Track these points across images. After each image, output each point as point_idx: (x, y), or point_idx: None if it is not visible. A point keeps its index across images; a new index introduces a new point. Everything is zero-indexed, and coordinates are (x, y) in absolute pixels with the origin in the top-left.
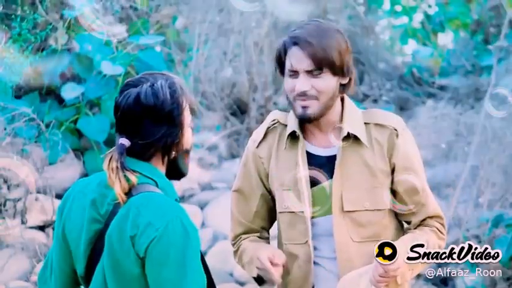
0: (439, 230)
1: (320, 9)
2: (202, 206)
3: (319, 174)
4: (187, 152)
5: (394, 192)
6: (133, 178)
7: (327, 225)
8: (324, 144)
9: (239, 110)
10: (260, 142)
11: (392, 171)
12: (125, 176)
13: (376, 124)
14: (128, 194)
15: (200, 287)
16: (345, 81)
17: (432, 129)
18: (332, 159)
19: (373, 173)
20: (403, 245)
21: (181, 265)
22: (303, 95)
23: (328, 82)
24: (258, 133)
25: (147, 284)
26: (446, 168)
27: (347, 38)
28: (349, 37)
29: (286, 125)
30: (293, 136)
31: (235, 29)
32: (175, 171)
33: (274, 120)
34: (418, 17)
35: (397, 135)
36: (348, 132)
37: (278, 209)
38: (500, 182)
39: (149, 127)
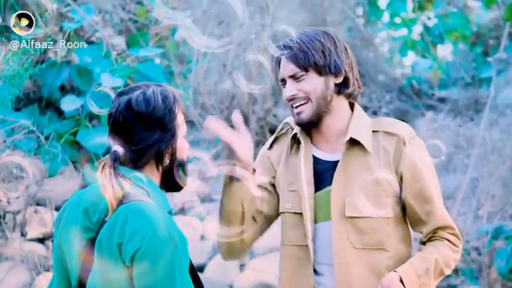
0: (452, 243)
1: (319, 21)
2: (201, 219)
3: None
4: (183, 163)
5: (404, 201)
6: (126, 185)
7: (328, 231)
8: (329, 150)
9: None
10: (272, 144)
11: (401, 179)
12: (118, 183)
13: (385, 132)
14: (119, 202)
15: None
16: (338, 80)
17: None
18: (336, 164)
19: (377, 181)
20: (408, 271)
21: (168, 275)
22: (292, 99)
23: (313, 82)
24: (271, 137)
25: None
26: (445, 180)
27: (340, 40)
28: None
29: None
30: (298, 140)
31: (234, 41)
32: (172, 183)
33: (285, 124)
34: (418, 29)
35: (404, 143)
36: (353, 139)
37: (281, 209)
38: (499, 194)
39: (141, 133)
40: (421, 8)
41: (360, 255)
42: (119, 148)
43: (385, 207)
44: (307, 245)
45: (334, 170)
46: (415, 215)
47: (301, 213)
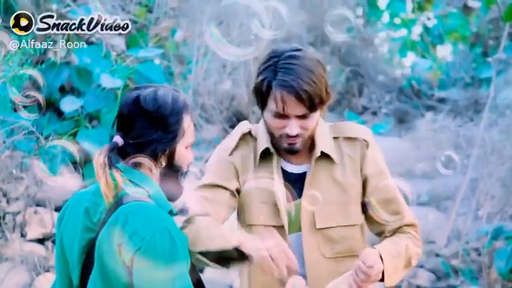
0: (415, 238)
1: (318, 21)
2: None
3: (292, 191)
4: (180, 170)
5: (367, 204)
6: (118, 177)
7: (298, 242)
8: (295, 161)
9: (238, 122)
10: (232, 151)
11: (364, 182)
12: (110, 173)
13: (346, 138)
14: (119, 203)
15: None
16: (328, 103)
17: (431, 141)
18: (303, 176)
19: (345, 189)
20: (384, 249)
21: (168, 276)
22: (293, 136)
23: (314, 118)
24: (229, 143)
25: None
26: (445, 180)
27: (324, 64)
28: (348, 50)
29: (256, 138)
30: (266, 152)
31: (234, 42)
32: (168, 189)
33: (246, 130)
34: (417, 29)
35: (367, 146)
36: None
37: (249, 221)
38: (499, 194)
39: (142, 128)
40: (420, 8)
41: (332, 264)
42: (118, 139)
43: (354, 214)
44: None
45: (301, 182)
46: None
47: (273, 226)
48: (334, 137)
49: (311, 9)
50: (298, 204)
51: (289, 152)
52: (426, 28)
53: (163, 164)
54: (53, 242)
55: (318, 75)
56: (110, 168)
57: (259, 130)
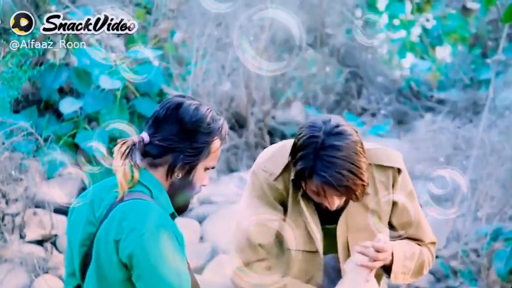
0: (431, 252)
1: (318, 23)
2: (200, 220)
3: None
4: (193, 187)
5: (389, 224)
6: (136, 173)
7: (330, 264)
8: None
9: (237, 124)
10: (277, 177)
11: (393, 205)
12: (130, 166)
13: (379, 165)
14: (120, 200)
15: None
16: None
17: (430, 142)
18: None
19: (379, 216)
20: (400, 248)
21: (165, 272)
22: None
23: None
24: (274, 167)
25: None
26: (444, 181)
27: (363, 147)
28: (347, 51)
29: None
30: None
31: (233, 43)
32: (174, 202)
33: (289, 159)
34: (416, 30)
35: (399, 172)
36: None
37: (290, 246)
38: (498, 195)
39: (171, 134)
40: (419, 9)
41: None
42: (146, 135)
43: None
44: (307, 281)
45: (334, 212)
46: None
47: (307, 251)
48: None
49: (310, 11)
50: (333, 229)
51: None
52: (425, 29)
53: (179, 176)
54: (52, 243)
55: (359, 166)
56: (131, 160)
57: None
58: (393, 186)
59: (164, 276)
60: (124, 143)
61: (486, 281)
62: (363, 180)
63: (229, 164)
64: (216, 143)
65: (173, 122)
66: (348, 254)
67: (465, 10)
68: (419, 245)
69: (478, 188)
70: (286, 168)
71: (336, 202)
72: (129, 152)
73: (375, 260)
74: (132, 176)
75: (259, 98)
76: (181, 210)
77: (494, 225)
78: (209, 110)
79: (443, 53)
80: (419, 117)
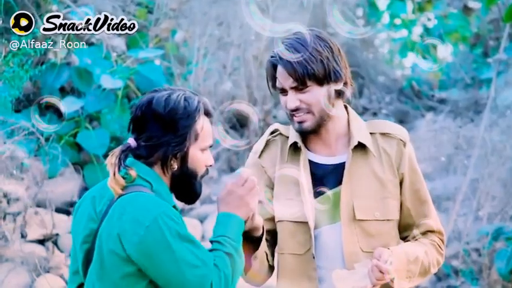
0: (439, 245)
1: (319, 22)
2: (202, 220)
3: (321, 185)
4: (195, 174)
5: (401, 204)
6: (133, 173)
7: (333, 235)
8: (327, 153)
9: (238, 123)
10: (262, 152)
11: (401, 181)
12: (125, 172)
13: (383, 134)
14: (121, 194)
15: (201, 270)
16: (338, 86)
17: (432, 142)
18: (337, 167)
19: (383, 183)
20: (403, 252)
21: (182, 250)
22: (295, 110)
23: (316, 94)
24: (259, 144)
25: (133, 285)
26: (445, 181)
27: (333, 42)
28: (349, 50)
29: (287, 137)
30: (295, 147)
31: (234, 43)
32: (183, 192)
33: (275, 131)
34: (418, 30)
35: (404, 145)
36: (358, 142)
37: (279, 218)
38: (500, 195)
39: (153, 130)
40: (421, 9)
41: (368, 258)
42: (132, 141)
43: (392, 210)
44: (306, 252)
45: (334, 174)
46: (408, 218)
47: (299, 222)
48: (370, 133)
49: (311, 10)
50: (330, 195)
51: (302, 133)
52: (426, 29)
53: (176, 167)
54: (54, 243)
55: (309, 48)
56: (119, 169)
57: (291, 127)
58: (400, 159)
59: (180, 256)
60: (113, 154)
61: (487, 280)
62: (312, 64)
63: (230, 164)
64: (200, 123)
65: (150, 119)
66: (352, 224)
67: (466, 9)
68: (428, 232)
69: (480, 188)
70: (272, 143)
71: (292, 96)
72: (118, 162)
73: (385, 273)
74: (126, 178)
75: (261, 97)
76: (191, 200)
77: (495, 225)
78: (181, 94)
79: (445, 52)
80: (420, 116)
